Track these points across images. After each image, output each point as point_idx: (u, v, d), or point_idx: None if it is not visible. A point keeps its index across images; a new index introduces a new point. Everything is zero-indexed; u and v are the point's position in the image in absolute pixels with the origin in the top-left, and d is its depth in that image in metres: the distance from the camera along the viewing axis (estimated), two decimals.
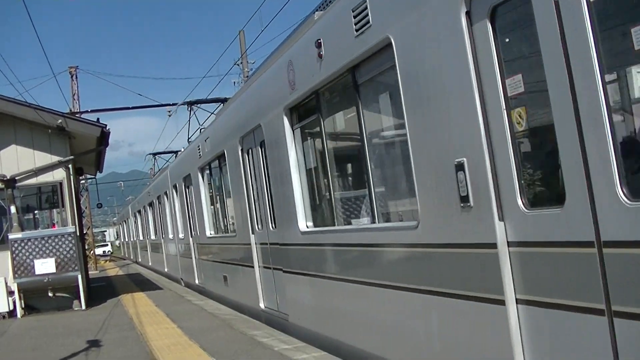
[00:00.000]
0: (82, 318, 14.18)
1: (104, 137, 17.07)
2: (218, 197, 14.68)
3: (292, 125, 8.80)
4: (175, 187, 19.90)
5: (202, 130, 19.19)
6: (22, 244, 15.36)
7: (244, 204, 11.40)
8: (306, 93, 7.97)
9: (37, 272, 15.26)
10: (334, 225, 7.89)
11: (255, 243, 11.18)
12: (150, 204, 29.13)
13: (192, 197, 16.60)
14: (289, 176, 8.85)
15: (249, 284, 11.73)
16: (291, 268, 9.31)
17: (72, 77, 45.84)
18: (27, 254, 15.31)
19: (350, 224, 7.81)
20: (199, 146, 15.04)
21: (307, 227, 8.67)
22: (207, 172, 15.08)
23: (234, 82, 36.54)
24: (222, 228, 14.38)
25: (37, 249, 15.39)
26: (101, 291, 20.64)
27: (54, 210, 17.54)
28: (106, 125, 16.66)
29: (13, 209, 16.19)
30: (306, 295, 8.90)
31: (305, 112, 8.51)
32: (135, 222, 40.23)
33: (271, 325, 10.47)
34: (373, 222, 6.75)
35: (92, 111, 35.43)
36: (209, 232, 15.29)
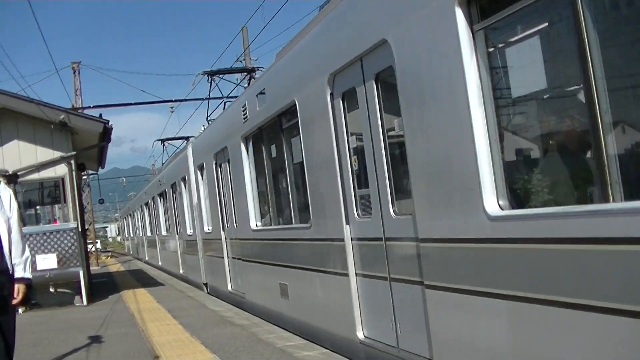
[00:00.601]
0: (83, 314, 13.56)
1: (106, 133, 16.26)
2: (274, 173, 10.06)
3: (471, 24, 4.62)
4: (201, 167, 14.95)
5: (226, 104, 15.66)
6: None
7: (331, 178, 7.09)
8: None
9: (38, 268, 14.42)
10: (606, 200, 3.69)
11: (352, 238, 6.85)
12: (162, 195, 23.75)
13: (229, 178, 12.15)
14: (460, 116, 4.67)
15: (334, 299, 7.41)
16: (453, 282, 5.02)
17: (74, 72, 43.36)
18: (29, 249, 14.24)
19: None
20: (243, 107, 10.41)
21: (502, 208, 4.49)
22: (258, 140, 10.39)
23: (237, 78, 35.30)
24: (281, 217, 9.83)
25: (38, 245, 14.66)
26: (102, 287, 19.88)
27: (56, 205, 16.67)
28: (108, 121, 15.90)
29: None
30: (497, 332, 4.56)
31: None
32: (141, 216, 34.40)
33: None
34: None
35: (94, 107, 34.30)
36: (255, 223, 10.75)
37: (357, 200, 6.78)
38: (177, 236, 20.42)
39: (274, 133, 9.69)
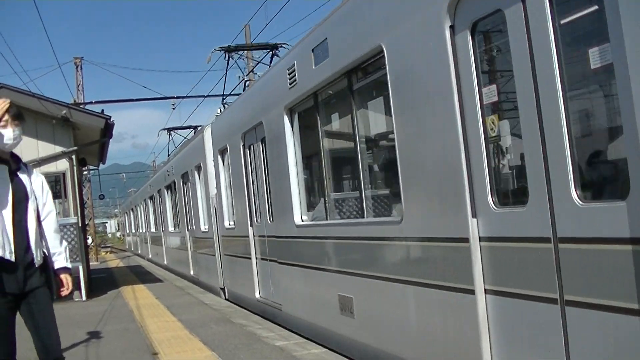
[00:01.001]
0: (82, 309, 13.19)
1: (108, 129, 15.76)
2: (334, 151, 7.57)
3: None
4: (222, 152, 12.18)
5: (247, 83, 13.59)
6: None
7: (445, 150, 4.67)
8: None
9: None
10: None
11: (482, 237, 4.41)
12: (170, 187, 20.66)
13: (263, 162, 9.58)
14: None
15: (441, 323, 4.96)
16: None
17: (76, 67, 40.83)
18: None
19: None
20: (290, 69, 7.76)
21: None
22: (310, 109, 7.69)
23: (239, 77, 33.48)
24: (342, 209, 7.40)
25: None
26: (102, 282, 19.30)
27: (56, 200, 16.05)
28: (110, 116, 15.33)
29: None
30: None
31: None
32: (145, 210, 30.77)
33: None
34: None
35: (96, 102, 33.40)
36: (301, 217, 8.10)
37: (494, 180, 4.34)
38: (187, 233, 17.42)
39: (337, 98, 7.10)
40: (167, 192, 21.39)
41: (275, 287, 9.35)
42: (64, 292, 4.91)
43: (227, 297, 13.04)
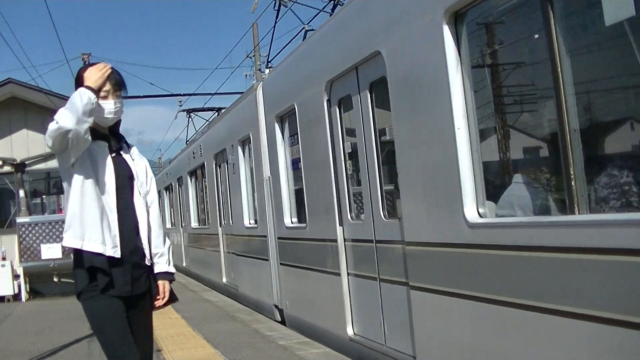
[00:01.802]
0: None
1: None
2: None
3: None
4: (282, 119, 8.43)
5: (307, 33, 10.12)
6: (30, 228, 14.27)
7: None
8: None
9: (43, 257, 14.24)
10: None
11: None
12: (194, 173, 16.18)
13: (372, 123, 5.75)
14: None
15: None
16: None
17: (84, 63, 42.24)
18: (34, 238, 14.27)
19: None
20: None
21: None
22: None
23: (246, 75, 31.06)
24: (605, 193, 3.22)
25: (44, 234, 14.34)
26: None
27: (62, 195, 15.62)
28: None
29: (22, 193, 15.29)
30: None
31: None
32: (159, 203, 24.83)
33: None
34: None
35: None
36: (477, 211, 4.12)
37: None
38: (219, 229, 13.00)
39: None
40: (191, 179, 16.87)
41: (396, 325, 5.52)
42: (159, 302, 3.84)
43: (284, 321, 8.99)
